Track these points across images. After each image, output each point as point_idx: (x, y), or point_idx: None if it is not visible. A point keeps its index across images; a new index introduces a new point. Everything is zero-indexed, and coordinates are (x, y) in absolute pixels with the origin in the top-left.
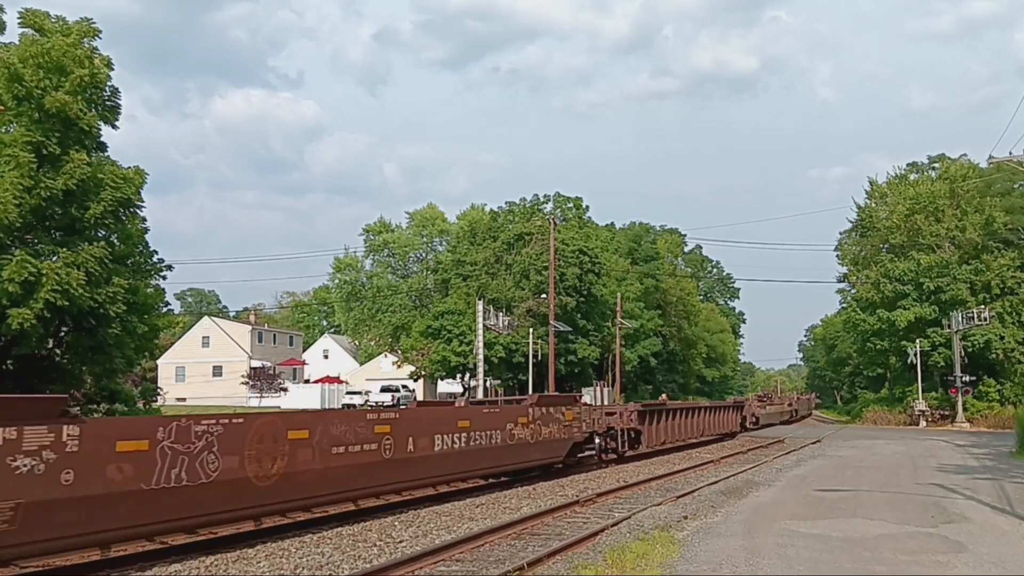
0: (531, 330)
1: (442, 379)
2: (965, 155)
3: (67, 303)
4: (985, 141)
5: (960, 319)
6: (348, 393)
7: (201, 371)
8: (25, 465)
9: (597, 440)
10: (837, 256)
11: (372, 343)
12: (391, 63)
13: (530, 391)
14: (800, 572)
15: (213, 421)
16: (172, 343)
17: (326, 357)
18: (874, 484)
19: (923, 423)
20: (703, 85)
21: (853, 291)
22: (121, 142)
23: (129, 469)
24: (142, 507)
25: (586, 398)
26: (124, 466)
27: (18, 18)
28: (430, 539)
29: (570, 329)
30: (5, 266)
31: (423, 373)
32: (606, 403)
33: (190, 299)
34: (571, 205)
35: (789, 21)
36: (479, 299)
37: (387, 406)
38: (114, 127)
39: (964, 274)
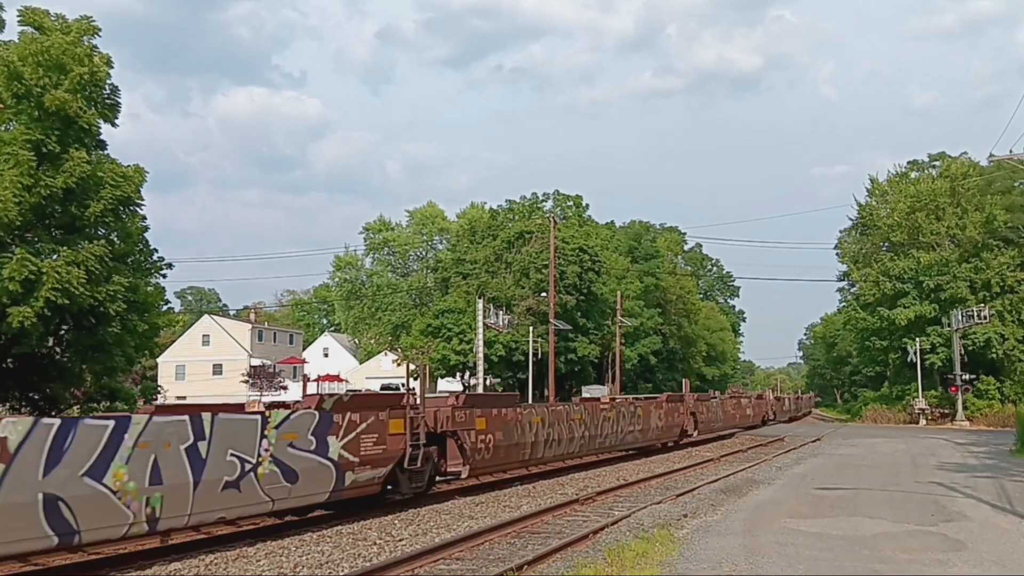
0: (531, 328)
1: (442, 377)
2: (966, 153)
3: (67, 301)
4: (986, 139)
5: (960, 317)
6: (348, 391)
7: (201, 369)
8: None
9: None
10: (837, 254)
11: (372, 341)
12: (394, 62)
13: (530, 390)
14: (800, 571)
15: None
16: (172, 341)
17: (326, 355)
18: (874, 482)
19: (923, 421)
20: (706, 83)
21: (853, 289)
22: (124, 140)
23: None
24: None
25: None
26: None
27: (17, 16)
28: (430, 537)
29: (570, 327)
30: (5, 264)
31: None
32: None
33: (190, 297)
34: (571, 203)
35: (792, 20)
36: (479, 297)
37: None
38: (114, 125)
39: (964, 272)
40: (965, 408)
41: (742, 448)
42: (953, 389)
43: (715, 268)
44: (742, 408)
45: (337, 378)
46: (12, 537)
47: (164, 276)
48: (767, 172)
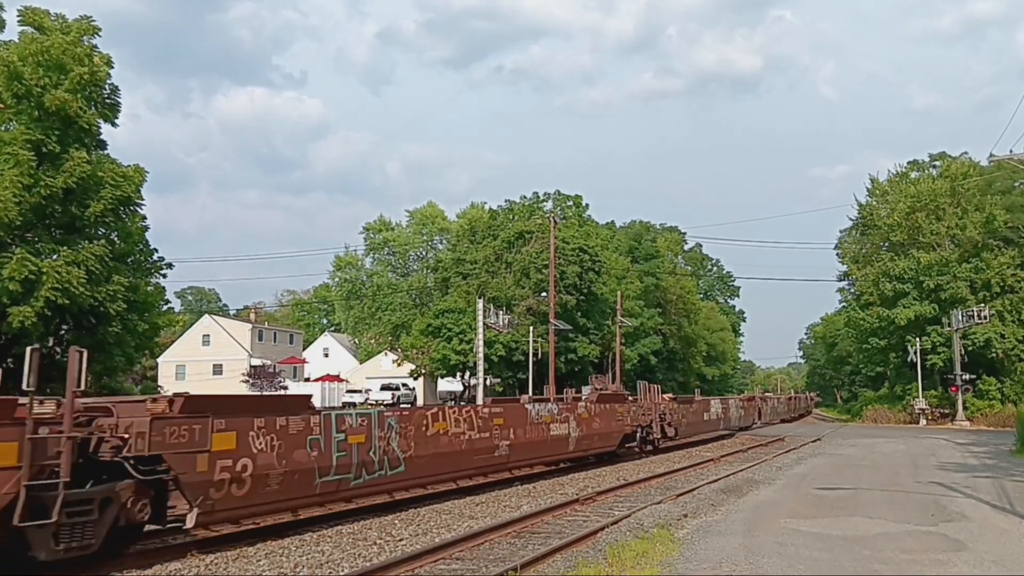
0: (531, 328)
1: (442, 377)
2: (966, 153)
3: (67, 301)
4: (986, 139)
5: (960, 317)
6: (348, 392)
7: (201, 369)
8: None
9: None
10: (837, 254)
11: (372, 341)
12: (394, 62)
13: (530, 390)
14: (800, 571)
15: None
16: (172, 341)
17: (326, 355)
18: (874, 483)
19: (923, 421)
20: (706, 84)
21: (853, 289)
22: (124, 141)
23: None
24: None
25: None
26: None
27: (18, 16)
28: (430, 537)
29: (570, 327)
30: (6, 264)
31: (423, 371)
32: None
33: (190, 297)
34: (571, 203)
35: (793, 21)
36: (479, 297)
37: (387, 404)
38: (114, 125)
39: (964, 272)
40: (965, 408)
41: (742, 448)
42: (953, 389)
43: (715, 268)
44: (536, 426)
45: (337, 378)
46: None
47: (164, 276)
48: (767, 172)
